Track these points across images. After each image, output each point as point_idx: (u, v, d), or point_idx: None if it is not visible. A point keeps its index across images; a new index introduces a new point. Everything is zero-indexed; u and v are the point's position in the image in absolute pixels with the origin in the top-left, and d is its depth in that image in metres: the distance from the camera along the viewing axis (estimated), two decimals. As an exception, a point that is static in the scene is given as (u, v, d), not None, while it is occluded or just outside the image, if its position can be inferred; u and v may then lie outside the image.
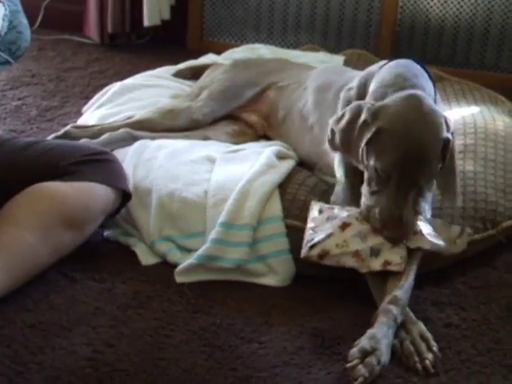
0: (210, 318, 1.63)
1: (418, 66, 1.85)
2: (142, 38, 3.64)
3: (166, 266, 1.81)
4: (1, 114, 2.67)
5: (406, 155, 1.61)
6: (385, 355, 1.47)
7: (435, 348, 1.52)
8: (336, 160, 1.88)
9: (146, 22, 3.41)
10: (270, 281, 1.77)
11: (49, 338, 1.54)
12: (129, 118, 2.27)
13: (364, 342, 1.47)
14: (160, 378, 1.44)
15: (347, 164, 1.82)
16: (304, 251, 1.66)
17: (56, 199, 1.71)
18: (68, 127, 2.22)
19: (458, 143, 2.13)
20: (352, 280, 1.70)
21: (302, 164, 2.07)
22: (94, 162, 1.80)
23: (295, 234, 1.78)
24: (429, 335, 1.54)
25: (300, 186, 1.91)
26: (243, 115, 2.32)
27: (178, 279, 1.75)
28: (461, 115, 2.32)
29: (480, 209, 1.90)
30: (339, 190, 1.83)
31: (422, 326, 1.56)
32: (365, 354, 1.45)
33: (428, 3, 3.30)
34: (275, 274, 1.77)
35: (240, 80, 2.35)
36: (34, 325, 1.58)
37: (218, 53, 3.02)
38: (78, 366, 1.46)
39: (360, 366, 1.42)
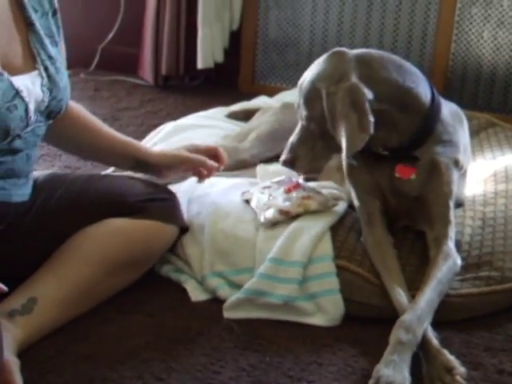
0: (259, 355, 1.63)
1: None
2: (195, 80, 3.70)
3: (216, 303, 1.81)
4: (56, 151, 2.72)
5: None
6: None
7: (459, 377, 1.50)
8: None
9: (200, 65, 3.48)
10: (318, 320, 1.76)
11: (100, 369, 1.55)
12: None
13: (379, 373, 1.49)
14: (209, 413, 1.45)
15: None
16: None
17: (125, 238, 1.75)
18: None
19: (510, 188, 2.12)
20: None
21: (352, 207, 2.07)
22: (159, 200, 1.83)
23: (345, 274, 1.79)
24: (454, 364, 1.52)
25: (350, 230, 1.92)
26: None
27: (226, 314, 1.76)
28: (513, 161, 2.31)
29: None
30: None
31: (446, 355, 1.54)
32: None
33: (480, 50, 3.30)
34: (324, 314, 1.76)
35: (289, 122, 2.36)
36: (85, 356, 1.60)
37: (270, 96, 3.06)
38: (128, 398, 1.48)
39: None
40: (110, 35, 3.79)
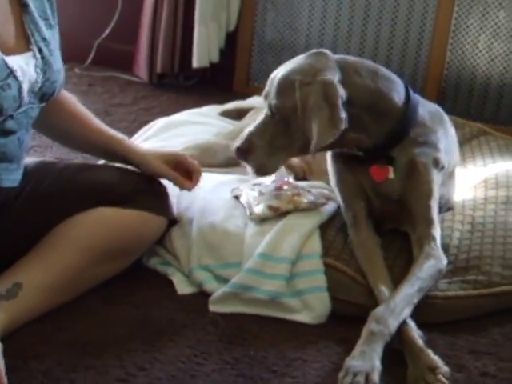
0: (244, 349, 1.63)
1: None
2: (190, 79, 3.70)
3: (202, 297, 1.81)
4: (48, 142, 2.71)
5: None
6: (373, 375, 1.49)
7: (442, 376, 1.50)
8: None
9: (195, 64, 3.48)
10: (304, 317, 1.76)
11: (82, 357, 1.55)
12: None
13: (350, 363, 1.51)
14: (191, 404, 1.44)
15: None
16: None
17: (113, 227, 1.74)
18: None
19: (500, 194, 2.12)
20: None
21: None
22: (149, 191, 1.83)
23: (333, 272, 1.79)
24: (437, 363, 1.53)
25: (339, 230, 1.92)
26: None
27: (212, 308, 1.76)
28: (504, 169, 2.31)
29: (522, 259, 1.88)
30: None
31: (429, 355, 1.55)
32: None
33: (475, 60, 3.32)
34: (310, 311, 1.76)
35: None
36: (68, 343, 1.59)
37: (264, 97, 3.06)
38: (110, 386, 1.47)
39: None
40: (107, 31, 3.78)
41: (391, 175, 1.87)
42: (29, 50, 1.61)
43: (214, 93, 3.48)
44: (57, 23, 1.73)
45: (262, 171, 1.86)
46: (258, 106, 2.62)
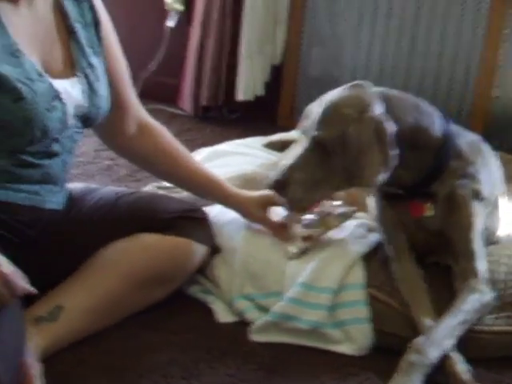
0: (284, 379, 1.61)
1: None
2: (234, 112, 3.71)
3: (242, 325, 1.80)
4: (92, 171, 2.75)
5: None
6: None
7: None
8: None
9: (240, 96, 3.49)
10: (345, 349, 1.73)
11: (120, 381, 1.54)
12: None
13: None
14: (229, 433, 1.42)
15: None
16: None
17: (154, 253, 1.75)
18: (151, 187, 2.27)
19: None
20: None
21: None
22: (192, 219, 1.83)
23: (375, 304, 1.76)
24: None
25: (383, 262, 1.88)
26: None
27: (253, 337, 1.74)
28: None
29: None
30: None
31: None
32: None
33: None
34: (352, 343, 1.73)
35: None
36: (106, 367, 1.59)
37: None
38: (147, 412, 1.45)
39: None
40: (153, 65, 3.82)
41: (428, 212, 1.84)
42: (74, 75, 1.64)
43: (258, 126, 3.48)
44: (116, 48, 1.77)
45: (297, 206, 1.80)
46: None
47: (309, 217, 1.94)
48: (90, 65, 1.67)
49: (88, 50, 1.68)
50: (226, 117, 3.70)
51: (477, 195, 1.86)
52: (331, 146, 1.73)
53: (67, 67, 1.64)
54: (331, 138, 1.72)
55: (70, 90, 1.61)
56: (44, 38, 1.60)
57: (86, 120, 1.68)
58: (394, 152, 1.69)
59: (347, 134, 1.69)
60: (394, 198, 1.87)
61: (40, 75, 1.55)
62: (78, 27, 1.68)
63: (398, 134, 1.73)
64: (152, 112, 3.64)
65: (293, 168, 1.75)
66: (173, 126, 3.50)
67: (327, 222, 1.89)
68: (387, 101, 1.76)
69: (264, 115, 3.65)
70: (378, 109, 1.72)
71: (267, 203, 1.91)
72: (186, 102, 3.66)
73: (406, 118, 1.77)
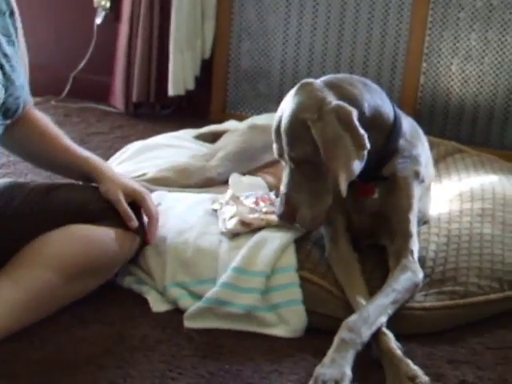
0: (219, 363, 1.60)
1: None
2: (166, 108, 3.70)
3: (177, 313, 1.79)
4: (23, 170, 2.71)
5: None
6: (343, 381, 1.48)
7: None
8: None
9: (171, 91, 3.48)
10: (280, 331, 1.73)
11: (54, 374, 1.52)
12: (143, 175, 2.30)
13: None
14: (165, 418, 1.41)
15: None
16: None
17: (85, 244, 1.72)
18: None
19: (476, 207, 2.13)
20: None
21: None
22: None
23: (309, 286, 1.77)
24: (417, 373, 1.51)
25: (314, 244, 1.91)
26: (258, 175, 2.33)
27: (187, 324, 1.73)
28: (479, 183, 2.31)
29: (497, 270, 1.87)
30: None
31: (409, 365, 1.53)
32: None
33: (448, 82, 3.35)
34: (286, 325, 1.74)
35: (257, 143, 2.36)
36: (39, 362, 1.56)
37: (240, 122, 3.07)
38: (82, 403, 1.44)
39: None
40: (82, 63, 3.79)
41: (376, 195, 1.87)
42: None
43: (191, 121, 3.47)
44: (21, 40, 1.74)
45: (314, 225, 1.84)
46: (233, 129, 2.63)
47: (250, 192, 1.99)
48: (5, 55, 1.65)
49: (3, 40, 1.65)
50: (159, 113, 3.69)
51: (417, 176, 1.90)
52: (311, 158, 1.73)
53: None
54: (306, 152, 1.73)
55: None
56: None
57: (5, 112, 1.65)
58: (363, 132, 1.68)
59: (316, 137, 1.69)
60: None
61: None
62: None
63: (360, 114, 1.72)
64: (83, 110, 3.66)
65: (290, 194, 1.78)
66: (104, 123, 3.49)
67: (270, 219, 1.89)
68: (337, 87, 1.76)
69: (196, 110, 3.66)
70: (331, 99, 1.72)
71: (131, 196, 1.83)
72: (118, 100, 3.64)
73: (363, 95, 1.77)
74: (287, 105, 1.78)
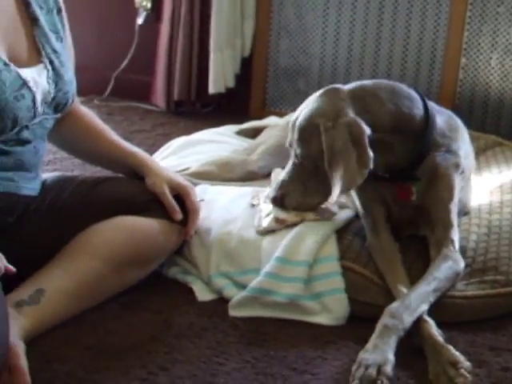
0: (264, 349, 1.64)
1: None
2: (207, 106, 3.76)
3: (222, 302, 1.83)
4: (69, 166, 2.77)
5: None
6: (385, 367, 1.50)
7: (464, 371, 1.50)
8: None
9: (211, 89, 3.53)
10: (323, 319, 1.77)
11: (104, 359, 1.57)
12: (186, 169, 2.35)
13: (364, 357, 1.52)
14: (212, 400, 1.46)
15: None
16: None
17: (133, 235, 1.77)
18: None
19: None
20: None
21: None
22: None
23: (350, 274, 1.80)
24: (459, 358, 1.53)
25: (355, 235, 1.94)
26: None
27: (232, 312, 1.77)
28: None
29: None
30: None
31: (451, 351, 1.55)
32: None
33: (488, 77, 3.35)
34: (329, 313, 1.77)
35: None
36: (89, 347, 1.61)
37: (280, 118, 3.10)
38: (132, 385, 1.49)
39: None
40: (124, 63, 3.86)
41: (414, 197, 1.90)
42: (40, 62, 1.67)
43: (231, 118, 3.51)
44: (68, 36, 1.80)
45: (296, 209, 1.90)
46: (273, 125, 2.66)
47: None
48: (55, 51, 1.71)
49: (52, 36, 1.71)
50: (199, 111, 3.74)
51: (457, 168, 1.92)
52: (314, 159, 1.81)
53: (32, 55, 1.67)
54: (311, 153, 1.81)
55: (37, 77, 1.64)
56: (7, 28, 1.62)
57: (55, 106, 1.71)
58: (371, 153, 1.73)
59: (324, 144, 1.75)
60: (378, 179, 1.91)
61: (6, 65, 1.57)
62: (41, 13, 1.71)
63: (379, 123, 1.78)
64: (126, 109, 3.73)
65: (284, 182, 1.89)
66: (147, 121, 3.56)
67: (304, 214, 1.92)
68: (360, 99, 1.81)
69: (236, 107, 3.70)
70: (350, 112, 1.76)
71: (176, 190, 1.87)
72: (159, 98, 3.70)
73: (385, 106, 1.82)
74: (309, 104, 1.85)
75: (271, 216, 1.91)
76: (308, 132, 1.81)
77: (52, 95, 1.68)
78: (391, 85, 1.89)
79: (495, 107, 3.36)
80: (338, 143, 1.73)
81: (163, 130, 3.41)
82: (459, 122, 2.06)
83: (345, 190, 1.75)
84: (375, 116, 1.80)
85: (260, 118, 3.38)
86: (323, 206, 1.93)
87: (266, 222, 1.90)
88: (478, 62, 3.35)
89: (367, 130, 1.74)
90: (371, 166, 1.73)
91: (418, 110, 1.87)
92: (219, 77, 3.51)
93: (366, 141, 1.73)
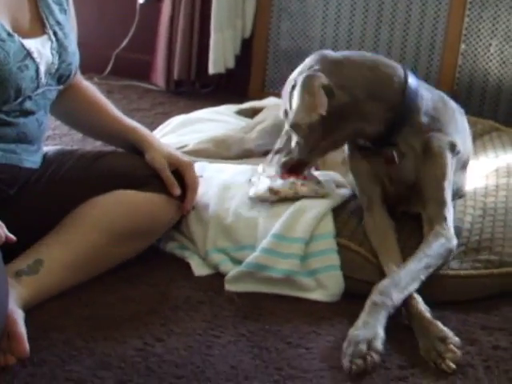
0: (259, 323, 1.67)
1: None
2: (206, 87, 3.76)
3: (218, 277, 1.85)
4: (69, 142, 2.79)
5: None
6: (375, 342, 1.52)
7: (453, 346, 1.53)
8: None
9: (211, 70, 3.53)
10: (318, 296, 1.79)
11: (102, 329, 1.59)
12: (184, 146, 2.36)
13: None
14: (207, 371, 1.48)
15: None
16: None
17: (132, 208, 1.80)
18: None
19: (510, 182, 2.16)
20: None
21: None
22: None
23: (346, 252, 1.82)
24: (447, 334, 1.56)
25: (352, 214, 1.96)
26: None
27: (228, 287, 1.80)
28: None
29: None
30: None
31: (439, 326, 1.58)
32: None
33: (487, 63, 3.36)
34: (324, 289, 1.79)
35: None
36: (88, 317, 1.64)
37: (279, 100, 3.11)
38: (128, 354, 1.51)
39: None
40: (125, 42, 3.86)
41: (397, 161, 1.91)
42: (44, 33, 1.69)
43: (230, 99, 3.51)
44: (71, 8, 1.81)
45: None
46: (272, 105, 2.68)
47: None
48: (58, 22, 1.72)
49: (55, 8, 1.73)
50: (199, 91, 3.74)
51: (452, 148, 1.94)
52: None
53: (36, 26, 1.69)
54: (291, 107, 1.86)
55: (41, 48, 1.65)
56: None
57: (58, 78, 1.72)
58: (324, 99, 1.77)
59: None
60: (368, 151, 1.94)
61: (10, 35, 1.59)
62: None
63: (354, 88, 1.83)
64: (125, 87, 3.73)
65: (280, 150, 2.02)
66: (146, 100, 3.56)
67: (298, 189, 1.94)
68: (339, 62, 1.86)
69: (236, 88, 3.70)
70: (316, 67, 1.83)
71: (175, 165, 1.89)
72: (159, 77, 3.70)
73: (362, 72, 1.85)
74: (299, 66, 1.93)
75: (266, 185, 1.93)
76: (289, 89, 1.88)
77: (56, 66, 1.70)
78: (376, 56, 1.96)
79: (493, 93, 3.37)
80: (295, 94, 1.81)
81: (162, 109, 3.41)
82: (451, 103, 2.07)
83: (294, 125, 1.84)
84: (352, 80, 1.84)
85: (259, 99, 3.37)
86: (328, 178, 2.02)
87: (260, 190, 1.93)
88: (478, 48, 3.36)
89: (322, 79, 1.79)
90: (322, 111, 1.76)
91: (397, 80, 1.89)
92: (219, 57, 3.52)
93: (321, 90, 1.77)
